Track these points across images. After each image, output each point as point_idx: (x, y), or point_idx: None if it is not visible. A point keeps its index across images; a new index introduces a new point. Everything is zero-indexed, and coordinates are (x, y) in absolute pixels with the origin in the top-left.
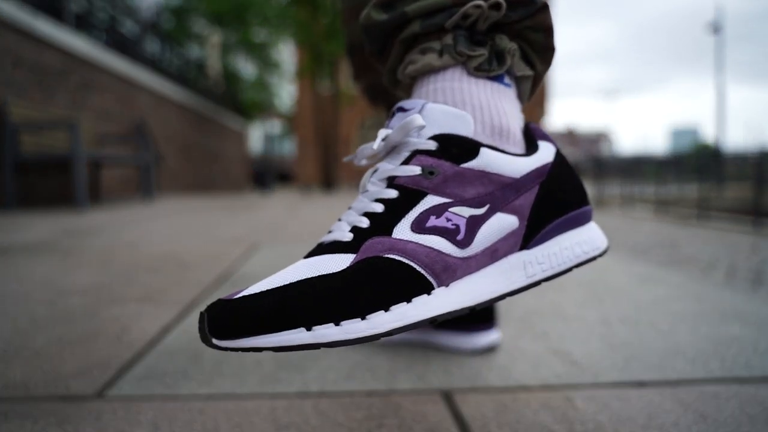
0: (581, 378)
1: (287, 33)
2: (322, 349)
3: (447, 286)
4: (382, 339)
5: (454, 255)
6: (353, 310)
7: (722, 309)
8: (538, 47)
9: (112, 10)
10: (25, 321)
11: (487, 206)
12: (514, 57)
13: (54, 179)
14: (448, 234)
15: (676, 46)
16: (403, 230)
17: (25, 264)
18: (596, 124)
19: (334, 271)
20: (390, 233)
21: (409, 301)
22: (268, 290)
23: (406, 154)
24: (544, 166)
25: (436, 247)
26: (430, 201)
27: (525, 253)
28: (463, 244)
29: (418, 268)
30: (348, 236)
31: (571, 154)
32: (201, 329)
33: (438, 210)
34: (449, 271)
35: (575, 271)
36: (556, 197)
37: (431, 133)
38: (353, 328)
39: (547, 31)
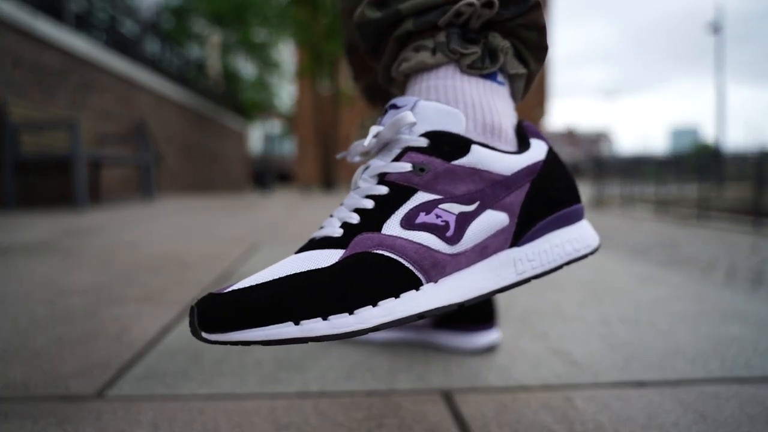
0: (581, 378)
1: (287, 33)
2: (321, 348)
3: (436, 282)
4: (382, 339)
5: (444, 251)
6: (341, 305)
7: (722, 309)
8: (531, 45)
9: (112, 10)
10: (25, 321)
11: (477, 203)
12: (507, 55)
13: (54, 179)
14: (438, 230)
15: (676, 47)
16: (392, 226)
17: (25, 264)
18: (596, 124)
19: (323, 266)
20: (380, 229)
21: (397, 296)
22: (257, 284)
23: (397, 150)
24: (535, 164)
25: (425, 244)
26: (421, 197)
27: (515, 250)
28: (452, 241)
29: (407, 264)
30: (338, 232)
31: (570, 154)
32: (191, 323)
33: (428, 206)
34: (438, 268)
35: (575, 271)
36: (548, 195)
37: (423, 130)
38: (341, 322)
39: (540, 29)
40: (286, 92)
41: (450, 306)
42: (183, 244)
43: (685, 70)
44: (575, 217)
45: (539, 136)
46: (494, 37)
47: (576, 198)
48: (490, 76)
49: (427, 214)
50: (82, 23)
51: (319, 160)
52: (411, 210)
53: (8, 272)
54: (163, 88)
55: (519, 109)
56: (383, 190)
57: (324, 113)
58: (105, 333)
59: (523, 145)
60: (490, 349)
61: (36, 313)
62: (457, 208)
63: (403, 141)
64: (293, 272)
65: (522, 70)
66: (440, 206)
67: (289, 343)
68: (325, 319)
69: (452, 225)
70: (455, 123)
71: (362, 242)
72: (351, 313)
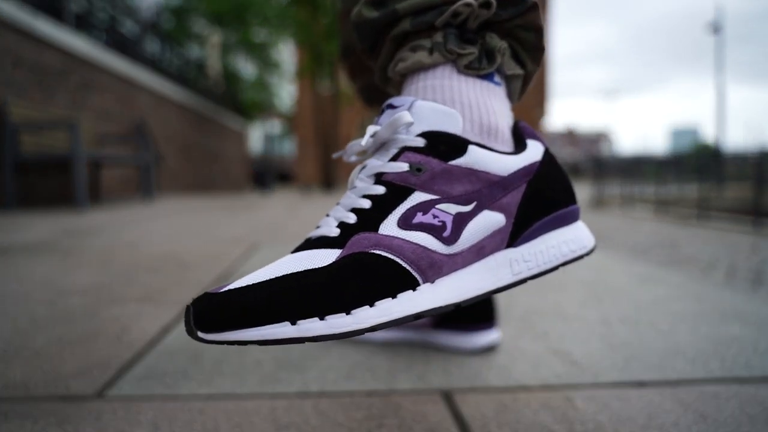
0: (581, 378)
1: (287, 33)
2: (321, 348)
3: (432, 282)
4: (382, 339)
5: (440, 252)
6: (338, 305)
7: (722, 309)
8: (529, 46)
9: (112, 10)
10: (25, 321)
11: (474, 203)
12: (504, 56)
13: (54, 179)
14: (435, 231)
15: (676, 47)
16: (389, 226)
17: (25, 264)
18: (596, 124)
19: (320, 265)
20: (376, 229)
21: (394, 296)
22: (254, 284)
23: (394, 150)
24: (532, 165)
25: (423, 244)
26: (418, 197)
27: (511, 250)
28: (449, 241)
29: (404, 264)
30: (335, 231)
31: (570, 154)
32: (187, 322)
33: (425, 207)
34: (435, 268)
35: (576, 271)
36: (544, 196)
37: (420, 130)
38: (338, 322)
39: (538, 30)
40: (286, 92)
41: (447, 306)
42: (183, 244)
43: (685, 70)
44: (571, 218)
45: (535, 136)
46: (491, 37)
47: (572, 199)
48: (487, 77)
49: (424, 214)
50: (82, 23)
51: (319, 160)
52: (408, 210)
53: (8, 272)
54: (163, 88)
55: (519, 110)
56: (380, 189)
57: (324, 113)
58: (105, 333)
59: (519, 146)
60: (490, 349)
61: (36, 313)
62: (454, 208)
63: (400, 141)
64: (290, 272)
65: (519, 71)
66: (437, 206)
67: (286, 343)
68: (322, 319)
69: (449, 225)
70: (452, 123)
71: (359, 242)
72: (348, 313)
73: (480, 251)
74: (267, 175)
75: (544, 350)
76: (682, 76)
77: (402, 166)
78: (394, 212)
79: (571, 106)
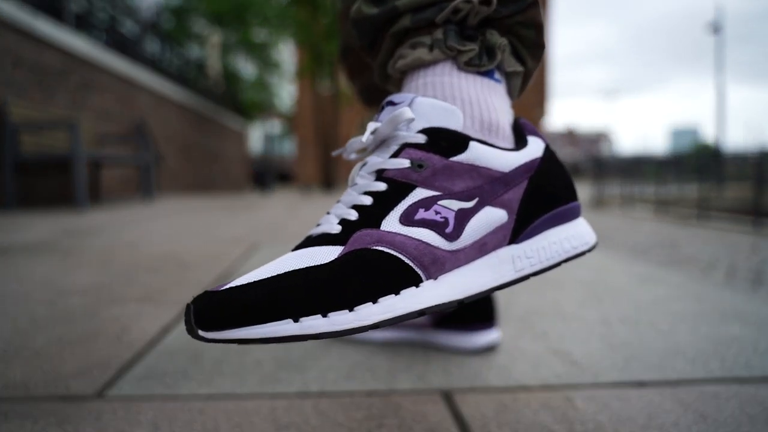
0: (581, 378)
1: (287, 33)
2: (321, 348)
3: (435, 278)
4: (382, 338)
5: (443, 248)
6: (341, 302)
7: (722, 309)
8: (529, 43)
9: (112, 10)
10: (25, 321)
11: (476, 200)
12: (505, 52)
13: (54, 179)
14: (437, 227)
15: (676, 47)
16: (391, 223)
17: (25, 264)
18: (596, 124)
19: (322, 262)
20: (378, 226)
21: (397, 293)
22: (255, 281)
23: (395, 147)
24: (533, 161)
25: (425, 240)
26: (419, 194)
27: (514, 247)
28: (451, 237)
29: (407, 261)
30: (336, 228)
31: (570, 154)
32: (187, 321)
33: (427, 203)
34: (438, 264)
35: (575, 270)
36: (545, 192)
37: (420, 127)
38: (341, 319)
39: (538, 27)
40: (286, 92)
41: (450, 303)
42: (183, 244)
43: (685, 70)
44: (572, 215)
45: (536, 133)
46: (492, 34)
47: (573, 195)
48: (488, 74)
49: (426, 210)
50: (82, 23)
51: (319, 160)
52: (410, 206)
53: (8, 272)
54: (163, 88)
55: (519, 109)
56: (381, 186)
57: (324, 113)
58: (105, 333)
59: (520, 142)
60: (490, 349)
61: (36, 313)
62: (456, 204)
63: (401, 137)
64: (292, 269)
65: (519, 68)
66: (439, 203)
67: (289, 341)
68: (324, 316)
69: (451, 221)
70: (453, 119)
71: (361, 239)
72: (351, 310)
73: (482, 248)
74: (267, 175)
75: (544, 350)
76: (682, 76)
77: (403, 163)
78: (395, 208)
79: (571, 106)
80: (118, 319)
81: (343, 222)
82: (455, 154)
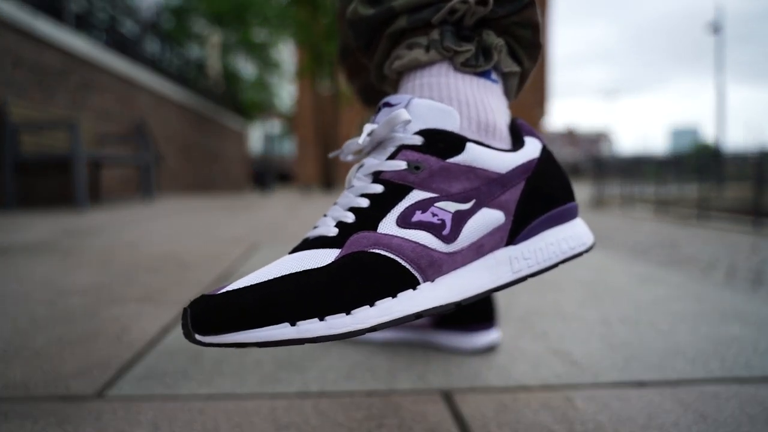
0: (581, 378)
1: (287, 33)
2: (321, 348)
3: (432, 281)
4: (382, 339)
5: (440, 250)
6: (338, 305)
7: (722, 309)
8: (526, 43)
9: (112, 10)
10: (25, 321)
11: (473, 201)
12: (501, 53)
13: (54, 179)
14: (434, 229)
15: (676, 47)
16: (388, 225)
17: (25, 264)
18: (596, 124)
19: (319, 265)
20: (375, 228)
21: (394, 296)
22: (252, 285)
23: (391, 149)
24: (530, 162)
25: (422, 242)
26: (416, 196)
27: (511, 248)
28: (448, 239)
29: (404, 263)
30: (333, 231)
31: (570, 154)
32: (184, 325)
33: (424, 205)
34: (435, 266)
35: (575, 271)
36: (542, 193)
37: (417, 128)
38: (338, 323)
39: (535, 27)
40: (286, 92)
41: (447, 305)
42: (183, 244)
43: (685, 70)
44: (570, 215)
45: (533, 134)
46: (488, 34)
47: (570, 196)
48: (484, 74)
49: (423, 212)
50: (82, 23)
51: (319, 160)
52: (407, 208)
53: (8, 272)
54: (163, 88)
55: (518, 109)
56: (378, 188)
57: (324, 113)
58: (105, 333)
59: (517, 143)
60: (490, 349)
61: (36, 313)
62: (453, 206)
63: (398, 139)
64: (288, 272)
65: (516, 69)
66: (436, 204)
67: (286, 345)
68: (321, 319)
69: (448, 223)
70: (450, 121)
71: (358, 241)
72: (348, 313)
73: (480, 249)
74: (267, 175)
75: (544, 350)
76: (682, 76)
77: (400, 165)
78: (392, 211)
79: (571, 106)
80: (118, 319)
81: (340, 224)
82: (452, 156)
